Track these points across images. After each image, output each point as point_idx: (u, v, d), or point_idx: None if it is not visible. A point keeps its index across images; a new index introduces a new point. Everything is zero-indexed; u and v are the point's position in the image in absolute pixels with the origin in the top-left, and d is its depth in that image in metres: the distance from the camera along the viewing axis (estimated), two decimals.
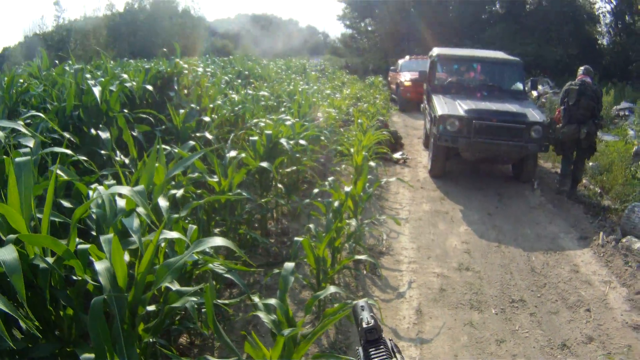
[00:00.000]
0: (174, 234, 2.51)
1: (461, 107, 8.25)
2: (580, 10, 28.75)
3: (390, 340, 0.92)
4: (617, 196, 7.46)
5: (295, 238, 3.74)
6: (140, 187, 2.59)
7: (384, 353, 0.88)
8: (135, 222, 2.38)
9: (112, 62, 11.66)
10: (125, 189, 2.40)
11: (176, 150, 4.56)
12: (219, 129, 6.45)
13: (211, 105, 6.38)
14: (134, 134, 5.49)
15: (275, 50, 48.56)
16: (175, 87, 6.82)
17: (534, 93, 10.51)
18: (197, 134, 5.73)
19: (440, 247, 5.83)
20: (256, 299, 3.02)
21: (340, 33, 51.05)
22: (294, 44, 58.10)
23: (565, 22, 27.59)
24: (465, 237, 6.17)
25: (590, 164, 8.98)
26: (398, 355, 0.88)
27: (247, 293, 3.10)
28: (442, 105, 8.47)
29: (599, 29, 30.03)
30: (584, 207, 7.37)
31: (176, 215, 3.13)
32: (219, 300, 3.38)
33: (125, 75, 5.60)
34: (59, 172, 3.31)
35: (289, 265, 2.97)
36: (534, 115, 8.14)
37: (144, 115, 5.84)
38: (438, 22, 29.89)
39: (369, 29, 37.79)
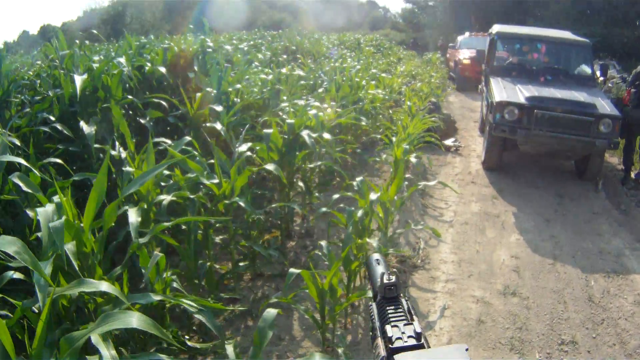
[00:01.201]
0: (104, 286, 1.87)
1: (522, 93, 7.31)
2: None
3: (406, 300, 0.83)
4: None
5: (291, 270, 3.03)
6: (57, 223, 1.96)
7: (401, 314, 0.79)
8: (47, 270, 1.76)
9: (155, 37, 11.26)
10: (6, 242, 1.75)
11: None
12: (243, 113, 5.81)
13: (230, 89, 5.71)
14: (142, 121, 5.00)
15: (334, 24, 47.67)
16: (195, 68, 6.22)
17: (601, 78, 9.44)
18: (208, 124, 5.09)
19: (486, 262, 5.03)
20: (229, 350, 2.41)
21: (400, 8, 49.59)
22: (354, 19, 57.15)
23: (634, 2, 25.35)
24: (516, 249, 5.34)
25: None
26: (416, 319, 0.76)
27: (221, 338, 2.50)
28: (500, 90, 7.55)
29: None
30: None
31: (136, 242, 2.51)
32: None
33: (122, 60, 4.98)
34: (17, 181, 2.76)
35: (269, 315, 2.31)
36: (604, 106, 7.11)
37: (157, 100, 5.34)
38: None
39: (430, 3, 36.22)
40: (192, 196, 3.62)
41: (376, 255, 0.98)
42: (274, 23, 42.70)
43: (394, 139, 6.34)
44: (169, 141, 4.47)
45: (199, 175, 3.65)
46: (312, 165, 5.20)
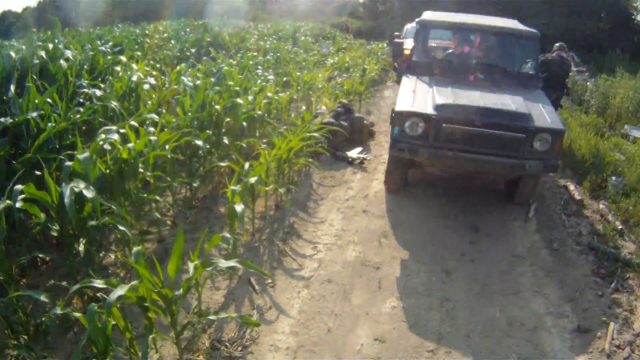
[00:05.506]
0: None
1: (433, 99, 5.58)
2: None
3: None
4: None
5: None
6: None
7: None
8: None
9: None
10: None
11: None
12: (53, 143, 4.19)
13: (35, 114, 4.02)
14: None
15: (297, 11, 46.14)
16: (12, 86, 4.54)
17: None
18: None
19: (335, 349, 3.46)
20: None
21: None
22: (317, 5, 55.64)
23: None
24: (387, 325, 3.78)
25: (613, 178, 6.48)
26: None
27: None
28: (406, 94, 5.85)
29: (635, 4, 26.48)
30: (594, 259, 4.90)
31: None
32: None
33: None
34: None
35: None
36: (543, 115, 5.42)
37: None
38: None
39: None
40: None
41: None
42: (234, 10, 40.98)
43: (247, 166, 4.64)
44: None
45: None
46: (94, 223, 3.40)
